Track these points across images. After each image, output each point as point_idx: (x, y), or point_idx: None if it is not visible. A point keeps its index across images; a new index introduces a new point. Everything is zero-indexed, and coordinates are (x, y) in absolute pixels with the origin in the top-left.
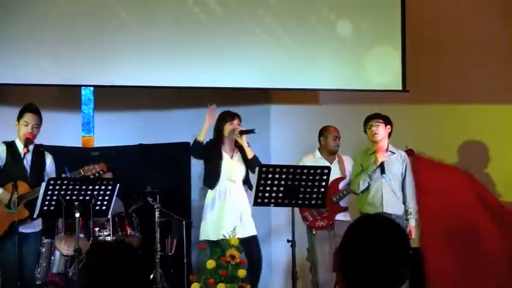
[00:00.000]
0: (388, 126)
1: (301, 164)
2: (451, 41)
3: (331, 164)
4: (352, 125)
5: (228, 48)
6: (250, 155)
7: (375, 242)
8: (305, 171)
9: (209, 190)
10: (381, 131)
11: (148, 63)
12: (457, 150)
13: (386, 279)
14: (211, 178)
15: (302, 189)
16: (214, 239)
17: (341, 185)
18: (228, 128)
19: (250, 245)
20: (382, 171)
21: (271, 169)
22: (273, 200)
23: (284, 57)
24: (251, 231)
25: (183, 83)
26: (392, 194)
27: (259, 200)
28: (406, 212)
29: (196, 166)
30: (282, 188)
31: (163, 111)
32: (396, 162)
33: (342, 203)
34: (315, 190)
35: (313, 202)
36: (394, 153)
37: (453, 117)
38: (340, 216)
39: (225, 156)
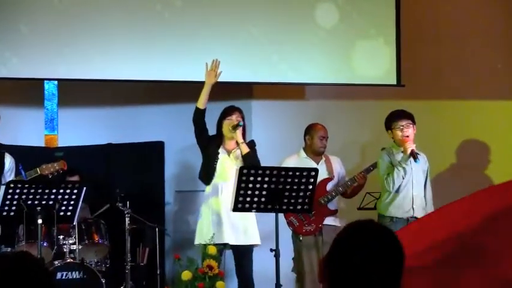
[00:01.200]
0: (415, 126)
1: (284, 165)
2: (449, 32)
3: (317, 164)
4: (342, 123)
5: (205, 40)
6: (244, 151)
7: (367, 251)
8: (290, 173)
9: (207, 186)
10: (411, 132)
11: (118, 55)
12: (456, 149)
13: None
14: (206, 174)
15: (287, 193)
16: (216, 242)
17: (329, 186)
18: (225, 124)
19: (244, 257)
20: (415, 158)
21: (252, 171)
22: (254, 205)
23: (267, 48)
24: (255, 239)
25: (156, 76)
26: (421, 196)
27: (239, 205)
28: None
29: (170, 167)
30: (264, 192)
31: (135, 107)
32: (421, 165)
33: (331, 206)
34: (301, 194)
35: (299, 207)
36: (419, 154)
37: (452, 113)
38: (329, 221)
39: (222, 153)
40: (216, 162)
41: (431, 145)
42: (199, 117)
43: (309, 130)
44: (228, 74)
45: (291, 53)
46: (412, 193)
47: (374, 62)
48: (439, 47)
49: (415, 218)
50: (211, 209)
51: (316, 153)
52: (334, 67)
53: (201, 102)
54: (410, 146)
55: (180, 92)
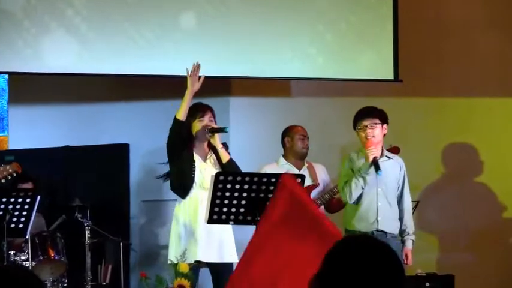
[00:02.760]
0: (385, 126)
1: None
2: (452, 21)
3: (299, 171)
4: (332, 122)
5: (178, 30)
6: (225, 158)
7: (364, 269)
8: (272, 180)
9: (178, 200)
10: (378, 133)
11: (77, 46)
12: (459, 151)
13: None
14: (183, 185)
15: (268, 203)
16: (191, 260)
17: (313, 194)
18: (197, 125)
19: (223, 277)
20: (377, 168)
21: (229, 177)
22: (232, 217)
23: (247, 39)
24: (232, 257)
25: (120, 70)
26: (388, 207)
27: (214, 217)
28: (402, 231)
29: (136, 173)
30: (243, 202)
31: (96, 105)
32: (393, 170)
33: None
34: None
35: None
36: (390, 158)
37: (456, 112)
38: None
39: (197, 159)
40: (194, 171)
41: (431, 146)
42: (178, 130)
43: (287, 132)
44: (203, 68)
45: (274, 45)
46: (376, 204)
47: (369, 55)
48: (442, 39)
49: (382, 231)
50: (184, 221)
51: (298, 156)
52: (323, 60)
53: (182, 113)
54: (372, 153)
55: (148, 88)
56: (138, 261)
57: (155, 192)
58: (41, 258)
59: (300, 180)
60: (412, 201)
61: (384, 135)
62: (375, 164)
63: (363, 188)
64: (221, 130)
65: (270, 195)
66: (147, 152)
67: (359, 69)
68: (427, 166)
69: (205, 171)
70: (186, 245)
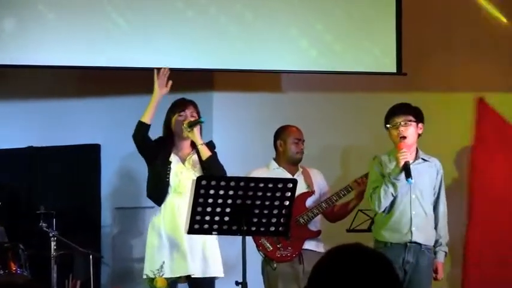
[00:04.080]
0: (421, 125)
1: None
2: (462, 10)
3: (292, 176)
4: (328, 121)
5: (156, 19)
6: (205, 154)
7: (355, 281)
8: (261, 185)
9: (154, 207)
10: (411, 132)
11: (43, 36)
12: (470, 152)
13: None
14: (157, 190)
15: (257, 211)
16: (169, 275)
17: (308, 202)
18: (176, 121)
19: None
20: (408, 175)
21: (213, 182)
22: (215, 226)
23: (232, 29)
24: (216, 270)
25: (93, 62)
26: (424, 216)
27: (195, 226)
28: (435, 241)
29: (109, 177)
30: (228, 209)
31: (63, 101)
32: (429, 174)
33: (312, 226)
34: (275, 212)
35: (273, 228)
36: (426, 160)
37: (466, 108)
38: (310, 245)
39: (174, 159)
40: (169, 174)
41: (439, 147)
42: (142, 134)
43: (280, 134)
44: (183, 60)
45: (263, 34)
46: (410, 213)
47: (368, 45)
48: (448, 28)
49: (416, 243)
50: (162, 231)
51: (291, 162)
52: (317, 51)
53: (148, 117)
54: (404, 156)
55: (122, 82)
56: (111, 276)
57: (130, 199)
58: (1, 272)
59: (291, 185)
60: None
61: (419, 135)
62: (406, 169)
63: (393, 196)
64: (197, 122)
65: (258, 202)
66: (121, 154)
67: (358, 61)
68: None
69: (181, 174)
70: (164, 258)
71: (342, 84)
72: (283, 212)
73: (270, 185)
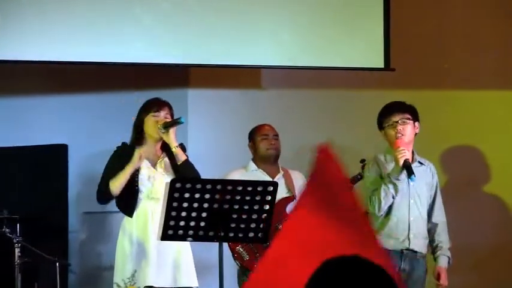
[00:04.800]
0: (417, 124)
1: None
2: (455, 2)
3: (273, 178)
4: (311, 120)
5: (128, 10)
6: (180, 158)
7: None
8: (239, 188)
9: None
10: (409, 131)
11: (5, 29)
12: (464, 154)
13: None
14: (126, 200)
15: (235, 216)
16: (141, 284)
17: (289, 208)
18: (150, 122)
19: None
20: (410, 173)
21: (187, 185)
22: (191, 232)
23: (208, 20)
24: (189, 280)
25: (60, 56)
26: (422, 222)
27: (169, 232)
28: (435, 246)
29: (76, 180)
30: (204, 214)
31: (28, 98)
32: (425, 177)
33: None
34: (254, 217)
35: (252, 235)
36: (422, 164)
37: (460, 106)
38: None
39: (145, 165)
40: (137, 180)
41: (430, 149)
42: (105, 200)
43: (250, 135)
44: (156, 55)
45: (241, 26)
46: (408, 217)
47: (354, 39)
48: (442, 19)
49: (412, 250)
50: (132, 237)
51: (267, 160)
52: (300, 46)
53: (118, 187)
54: (402, 154)
55: (91, 77)
56: (78, 285)
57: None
58: None
59: (272, 188)
60: None
61: (415, 134)
62: (407, 167)
63: (394, 198)
64: (175, 122)
65: (236, 207)
66: (89, 154)
67: (343, 56)
68: None
69: (154, 179)
70: (136, 266)
71: (326, 80)
72: (263, 217)
73: (249, 188)
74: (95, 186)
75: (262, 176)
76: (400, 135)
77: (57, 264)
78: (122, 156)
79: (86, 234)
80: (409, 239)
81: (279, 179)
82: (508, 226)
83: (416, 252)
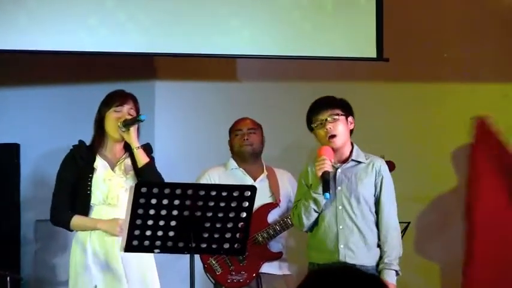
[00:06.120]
0: (350, 119)
1: (203, 181)
2: None
3: (255, 180)
4: (293, 115)
5: None
6: (141, 161)
7: None
8: (213, 193)
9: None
10: (342, 129)
11: None
12: (463, 150)
13: None
14: (76, 205)
15: (208, 225)
16: None
17: (271, 217)
18: (111, 118)
19: None
20: (324, 190)
21: (154, 190)
22: (158, 243)
23: (179, 4)
24: None
25: (11, 44)
26: (355, 230)
27: (134, 243)
28: (379, 257)
29: (29, 183)
30: (173, 223)
31: None
32: (364, 177)
33: (274, 247)
34: (230, 226)
35: (227, 246)
36: (360, 162)
37: (458, 99)
38: (269, 268)
39: (100, 164)
40: (90, 186)
41: (428, 148)
42: (61, 227)
43: (229, 132)
44: (119, 43)
45: (214, 12)
46: (336, 227)
47: (343, 26)
48: (438, 6)
49: (346, 263)
50: (88, 247)
51: (245, 158)
52: (282, 33)
53: (78, 227)
54: (321, 166)
55: (44, 70)
56: None
57: None
58: None
59: (249, 193)
60: (401, 222)
61: (351, 131)
62: (324, 181)
63: (316, 212)
64: (135, 120)
65: (210, 214)
66: (45, 154)
67: (330, 44)
68: (422, 175)
69: (111, 182)
70: (95, 281)
71: (311, 72)
72: (240, 225)
73: (224, 193)
74: (50, 190)
75: (242, 175)
76: (331, 134)
77: (8, 278)
78: (75, 160)
79: (40, 244)
80: (338, 251)
81: (262, 180)
82: None
83: (354, 265)
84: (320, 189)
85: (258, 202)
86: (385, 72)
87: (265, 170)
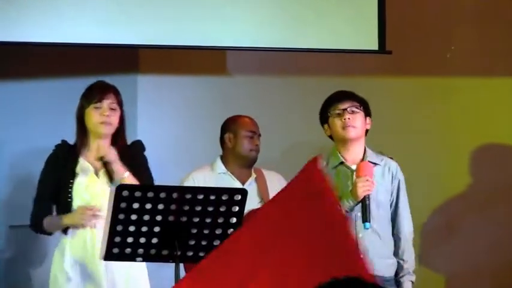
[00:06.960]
0: (368, 119)
1: (188, 183)
2: None
3: (243, 183)
4: (288, 112)
5: None
6: (118, 172)
7: None
8: (200, 197)
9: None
10: (359, 123)
11: None
12: (472, 151)
13: None
14: (61, 213)
15: (194, 231)
16: None
17: None
18: (91, 114)
19: None
20: (364, 218)
21: (137, 193)
22: (140, 251)
23: None
24: None
25: None
26: (377, 239)
27: (114, 250)
28: (398, 266)
29: (3, 185)
30: (157, 229)
31: None
32: (381, 181)
33: None
34: (218, 232)
35: None
36: (377, 164)
37: (466, 95)
38: None
39: (84, 167)
40: (70, 193)
41: (435, 148)
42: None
43: (229, 125)
44: (99, 34)
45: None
46: (355, 235)
47: (342, 16)
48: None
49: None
50: (71, 257)
51: (244, 162)
52: (277, 22)
53: (51, 228)
54: (365, 188)
55: (23, 61)
56: None
57: (29, 214)
58: None
59: (240, 197)
60: None
61: (366, 131)
62: (364, 208)
63: None
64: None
65: (196, 220)
66: (23, 152)
67: (328, 35)
68: (429, 178)
69: (94, 187)
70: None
71: (308, 65)
72: (229, 232)
73: (212, 197)
74: (25, 193)
75: (230, 180)
76: (350, 125)
77: None
78: (59, 159)
79: (13, 252)
80: None
81: (250, 184)
82: None
83: (374, 276)
84: (357, 213)
85: (248, 206)
86: (388, 66)
87: (253, 173)
